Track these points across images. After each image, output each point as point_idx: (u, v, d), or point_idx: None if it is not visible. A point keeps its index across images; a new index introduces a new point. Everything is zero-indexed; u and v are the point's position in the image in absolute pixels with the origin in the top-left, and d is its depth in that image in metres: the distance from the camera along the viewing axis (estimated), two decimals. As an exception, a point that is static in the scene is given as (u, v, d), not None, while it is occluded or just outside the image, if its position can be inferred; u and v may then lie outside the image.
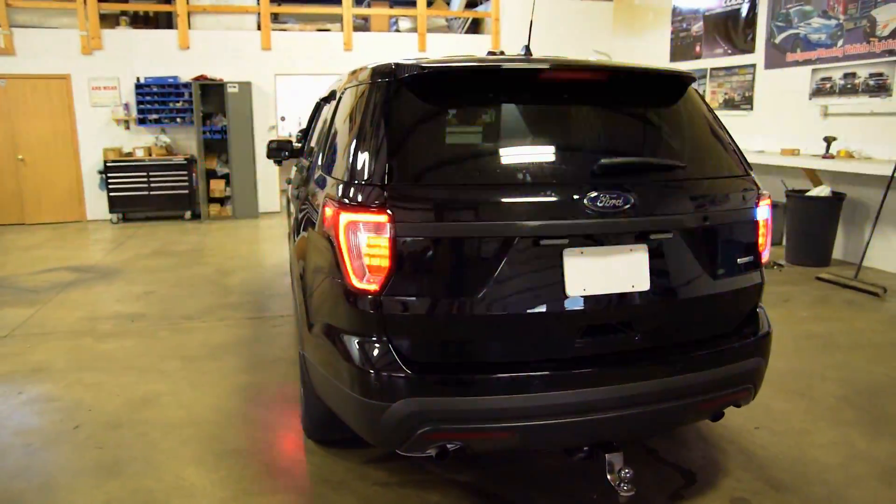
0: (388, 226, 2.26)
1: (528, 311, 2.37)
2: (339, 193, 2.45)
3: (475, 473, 3.03)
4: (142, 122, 10.47)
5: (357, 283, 2.32)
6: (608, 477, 2.59)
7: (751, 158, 7.57)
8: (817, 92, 7.59)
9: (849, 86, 7.18)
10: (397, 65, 2.52)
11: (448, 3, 12.54)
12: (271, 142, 4.92)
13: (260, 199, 11.08)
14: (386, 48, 11.20)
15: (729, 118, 8.65)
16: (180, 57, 10.56)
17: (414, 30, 11.58)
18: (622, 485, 2.55)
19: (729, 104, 9.02)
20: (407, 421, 2.31)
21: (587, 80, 2.69)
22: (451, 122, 2.57)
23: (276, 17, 11.47)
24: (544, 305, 2.37)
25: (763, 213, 2.73)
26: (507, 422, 2.34)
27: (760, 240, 2.74)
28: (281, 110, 12.19)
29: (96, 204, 10.62)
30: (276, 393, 3.95)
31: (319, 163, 3.15)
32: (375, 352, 2.36)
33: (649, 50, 10.64)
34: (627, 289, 2.44)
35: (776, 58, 8.18)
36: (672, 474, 3.04)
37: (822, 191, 7.11)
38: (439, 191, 2.36)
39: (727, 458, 3.17)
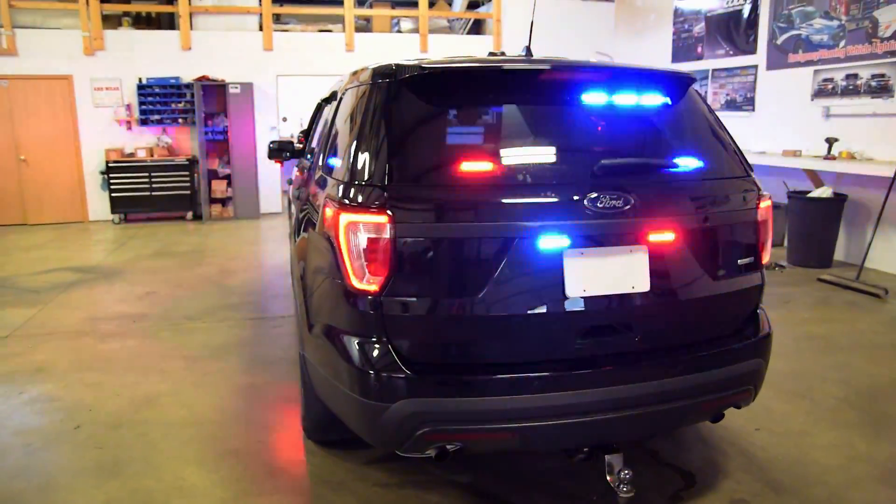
0: (388, 226, 2.27)
1: (528, 311, 2.37)
2: (340, 194, 2.45)
3: (475, 474, 3.03)
4: (144, 122, 10.49)
5: (357, 284, 2.33)
6: (608, 478, 2.59)
7: (752, 159, 7.57)
8: (819, 93, 7.58)
9: (851, 87, 7.17)
10: (398, 65, 2.52)
11: (450, 5, 12.54)
12: (272, 142, 4.93)
13: (261, 200, 11.10)
14: (388, 49, 11.20)
15: (731, 119, 8.63)
16: (182, 57, 10.58)
17: (416, 31, 11.59)
18: (622, 486, 2.55)
19: (731, 105, 9.01)
20: (406, 422, 2.31)
21: (587, 80, 2.69)
22: (452, 122, 2.57)
23: (277, 18, 11.49)
24: (544, 306, 2.37)
25: (763, 214, 2.73)
26: (506, 423, 2.34)
27: (761, 241, 2.73)
28: (282, 111, 12.21)
29: (98, 204, 10.64)
30: (276, 393, 3.96)
31: (320, 163, 3.16)
32: (375, 352, 2.36)
33: (651, 51, 10.63)
34: (627, 290, 2.43)
35: (778, 59, 8.17)
36: (672, 476, 3.04)
37: (824, 192, 7.11)
38: (439, 191, 2.36)
39: (727, 459, 3.17)
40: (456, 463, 3.07)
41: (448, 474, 3.02)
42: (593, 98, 2.66)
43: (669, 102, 2.76)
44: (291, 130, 13.53)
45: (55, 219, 10.54)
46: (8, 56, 9.96)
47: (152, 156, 10.51)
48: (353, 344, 2.40)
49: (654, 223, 2.45)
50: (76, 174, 10.54)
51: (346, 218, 2.34)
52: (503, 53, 3.31)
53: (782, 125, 8.13)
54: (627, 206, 2.40)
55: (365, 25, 11.84)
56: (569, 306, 2.37)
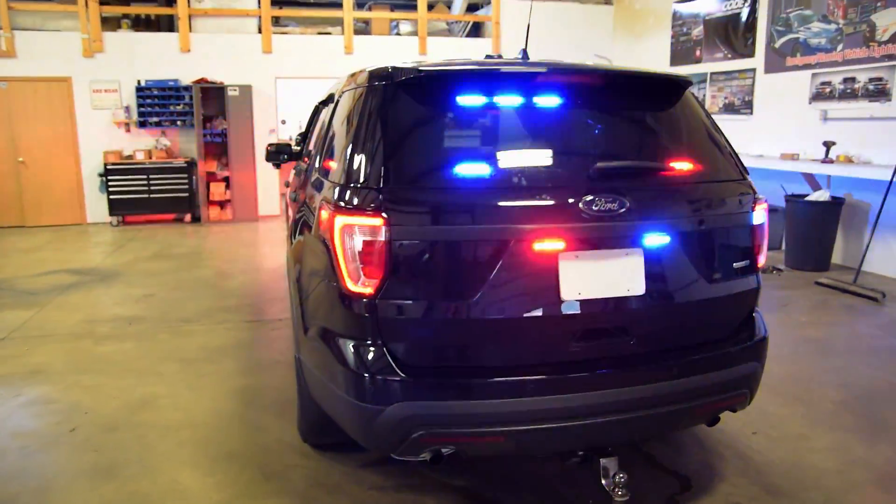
0: (384, 229, 2.26)
1: (523, 315, 2.37)
2: (335, 196, 2.45)
3: (470, 477, 3.02)
4: (142, 124, 10.49)
5: (352, 287, 2.32)
6: (603, 482, 2.58)
7: (750, 163, 7.60)
8: (817, 96, 7.59)
9: (848, 90, 7.18)
10: (394, 68, 2.52)
11: (449, 7, 12.56)
12: (270, 145, 4.94)
13: (260, 203, 11.09)
14: (387, 51, 11.21)
15: (729, 122, 8.64)
16: (181, 60, 10.58)
17: (415, 33, 11.61)
18: (617, 490, 2.54)
19: (729, 108, 9.02)
20: (401, 425, 2.30)
21: (584, 83, 2.69)
22: (448, 125, 2.57)
23: (277, 21, 11.50)
24: (539, 309, 2.37)
25: (759, 217, 2.73)
26: (501, 426, 2.33)
27: (756, 244, 2.73)
28: (281, 113, 12.22)
29: (96, 206, 10.64)
30: (272, 396, 3.95)
31: (317, 166, 3.16)
32: (370, 355, 2.35)
33: (650, 54, 10.64)
34: (623, 293, 2.43)
35: (776, 62, 8.18)
36: (668, 479, 3.03)
37: (822, 195, 7.11)
38: (435, 194, 2.36)
39: (724, 463, 3.17)
40: (451, 466, 3.07)
41: (443, 478, 3.01)
42: (589, 101, 2.66)
43: (665, 105, 2.76)
44: (290, 133, 13.53)
45: (53, 221, 10.53)
46: (7, 58, 9.97)
47: (151, 158, 10.51)
48: (348, 347, 2.40)
49: (650, 226, 2.45)
50: (75, 176, 10.54)
51: (341, 220, 2.34)
52: (500, 56, 3.32)
53: (780, 128, 8.14)
54: (623, 210, 2.40)
55: (364, 28, 11.85)
56: (564, 309, 2.37)
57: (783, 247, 7.71)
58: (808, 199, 7.14)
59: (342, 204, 2.38)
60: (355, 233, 2.30)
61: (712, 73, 9.32)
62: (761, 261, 2.77)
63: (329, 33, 11.37)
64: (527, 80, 2.62)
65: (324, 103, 4.14)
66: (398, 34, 11.98)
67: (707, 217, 2.58)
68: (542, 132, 2.60)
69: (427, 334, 2.37)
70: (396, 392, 2.31)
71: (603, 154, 2.61)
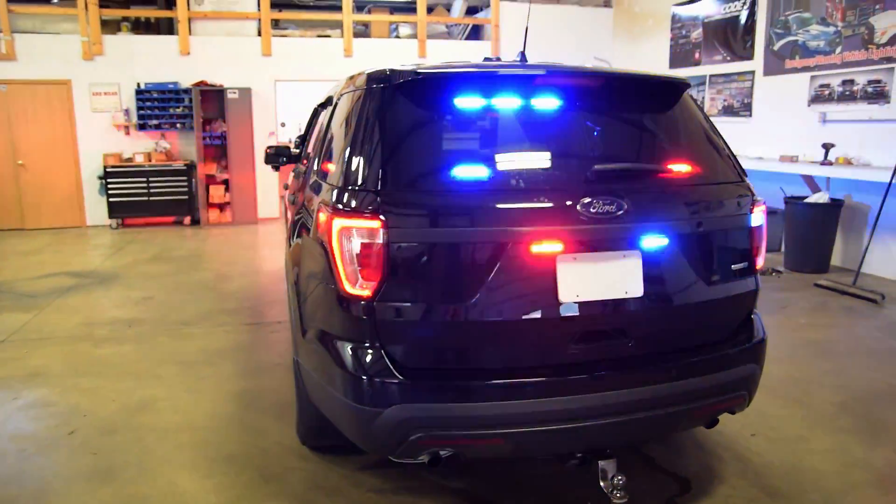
0: (381, 231, 2.26)
1: (521, 317, 2.37)
2: (333, 199, 2.45)
3: (469, 480, 3.02)
4: (142, 127, 10.50)
5: (350, 289, 2.32)
6: (601, 484, 2.58)
7: (749, 165, 7.61)
8: (816, 99, 7.60)
9: (847, 93, 7.19)
10: (392, 70, 2.53)
11: (448, 10, 12.58)
12: (269, 147, 4.94)
13: (259, 205, 11.09)
14: (386, 54, 11.22)
15: (728, 125, 8.65)
16: (181, 63, 10.59)
17: (414, 36, 11.62)
18: (615, 492, 2.54)
19: (728, 111, 9.03)
20: (399, 427, 2.30)
21: (582, 86, 2.70)
22: (446, 127, 2.58)
23: (276, 24, 11.52)
24: (537, 312, 2.37)
25: (757, 219, 2.73)
26: (499, 428, 2.33)
27: (755, 246, 2.73)
28: (281, 116, 12.21)
29: (96, 209, 10.64)
30: (271, 399, 3.95)
31: (315, 168, 3.16)
32: (368, 358, 2.35)
33: (649, 56, 10.66)
34: (621, 295, 2.43)
35: (775, 64, 8.19)
36: (667, 481, 3.03)
37: (821, 197, 7.11)
38: (433, 197, 2.37)
39: (723, 465, 3.16)
40: (449, 469, 3.06)
41: (442, 480, 3.01)
42: (587, 103, 2.66)
43: (663, 108, 2.77)
44: (290, 135, 13.52)
45: (53, 223, 10.53)
46: (7, 61, 9.97)
47: (150, 161, 10.51)
48: (346, 349, 2.40)
49: (648, 228, 2.45)
50: (74, 179, 10.54)
51: (339, 223, 2.34)
52: (498, 58, 3.32)
53: (779, 131, 8.14)
54: (621, 212, 2.40)
55: (363, 31, 11.86)
56: (562, 312, 2.37)
57: (782, 249, 7.72)
58: (807, 201, 7.15)
59: (340, 206, 2.38)
60: (353, 235, 2.30)
61: (711, 76, 9.33)
62: (760, 263, 2.77)
63: (328, 36, 11.38)
64: (525, 82, 2.62)
65: (322, 106, 4.15)
66: (397, 37, 12.00)
67: (705, 219, 2.58)
68: (541, 134, 2.60)
69: (425, 336, 2.37)
70: (394, 394, 2.31)
71: (601, 156, 2.61)
